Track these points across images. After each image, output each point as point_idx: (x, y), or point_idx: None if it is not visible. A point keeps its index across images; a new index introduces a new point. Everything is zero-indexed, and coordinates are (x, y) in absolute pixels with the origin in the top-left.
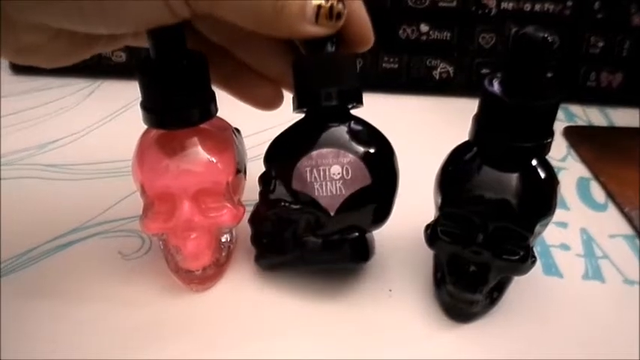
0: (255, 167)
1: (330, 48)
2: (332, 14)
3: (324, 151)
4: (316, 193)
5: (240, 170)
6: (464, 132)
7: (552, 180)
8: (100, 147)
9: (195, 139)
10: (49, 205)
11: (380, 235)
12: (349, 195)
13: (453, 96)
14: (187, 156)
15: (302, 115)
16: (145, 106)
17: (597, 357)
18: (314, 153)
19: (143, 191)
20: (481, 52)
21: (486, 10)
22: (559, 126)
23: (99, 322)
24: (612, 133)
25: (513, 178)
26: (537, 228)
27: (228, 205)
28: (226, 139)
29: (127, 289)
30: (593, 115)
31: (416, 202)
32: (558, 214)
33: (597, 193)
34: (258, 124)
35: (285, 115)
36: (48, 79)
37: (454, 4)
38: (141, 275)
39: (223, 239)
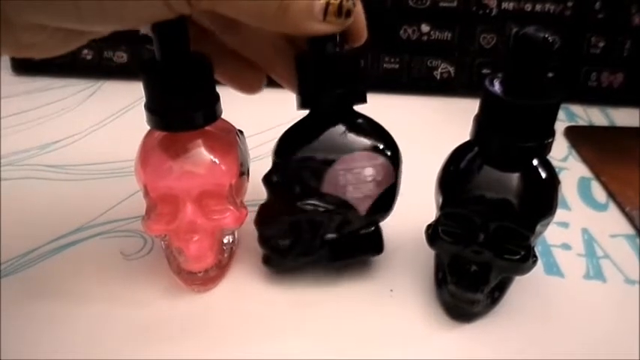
0: (258, 168)
1: (335, 45)
2: (341, 11)
3: (357, 154)
4: (348, 195)
5: (243, 172)
6: (465, 132)
7: (553, 180)
8: (101, 147)
9: (199, 142)
10: (50, 205)
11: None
12: (379, 194)
13: (454, 96)
14: (191, 158)
15: (302, 112)
16: (150, 107)
17: (598, 356)
18: (347, 157)
19: (146, 192)
20: (482, 52)
21: (487, 11)
22: (560, 126)
23: (100, 323)
24: (613, 133)
25: (514, 177)
26: (538, 228)
27: (231, 207)
28: (230, 141)
29: (129, 289)
30: (594, 115)
31: (417, 202)
32: (559, 213)
33: (598, 192)
34: (259, 125)
35: (286, 115)
36: (49, 80)
37: (455, 4)
38: (142, 276)
39: (225, 241)
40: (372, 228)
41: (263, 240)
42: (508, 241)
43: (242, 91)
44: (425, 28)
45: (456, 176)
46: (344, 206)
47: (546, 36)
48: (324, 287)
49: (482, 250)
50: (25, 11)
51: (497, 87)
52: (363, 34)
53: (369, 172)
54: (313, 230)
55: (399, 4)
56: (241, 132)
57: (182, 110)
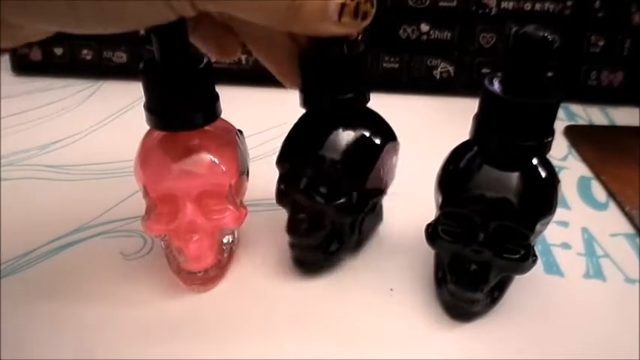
0: (257, 168)
1: (342, 45)
2: (357, 13)
3: (387, 146)
4: (384, 184)
5: (242, 172)
6: (465, 131)
7: (553, 179)
8: (101, 148)
9: (199, 142)
10: (50, 205)
11: (381, 234)
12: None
13: (453, 95)
14: (190, 158)
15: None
16: (149, 107)
17: (598, 356)
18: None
19: (146, 193)
20: (482, 51)
21: (487, 10)
22: (560, 125)
23: (100, 323)
24: (613, 132)
25: (514, 177)
26: (538, 227)
27: (231, 207)
28: (230, 141)
29: (129, 289)
30: (594, 115)
31: (417, 201)
32: (559, 213)
33: (598, 192)
34: (259, 125)
35: (286, 115)
36: (49, 80)
37: (454, 3)
38: (142, 276)
39: (225, 240)
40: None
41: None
42: (508, 241)
43: (218, 56)
44: (424, 27)
45: (455, 175)
46: (379, 194)
47: (546, 35)
48: (324, 286)
49: (482, 250)
50: (21, 17)
51: (496, 86)
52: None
53: (395, 159)
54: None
55: (399, 4)
56: (240, 132)
57: (181, 110)
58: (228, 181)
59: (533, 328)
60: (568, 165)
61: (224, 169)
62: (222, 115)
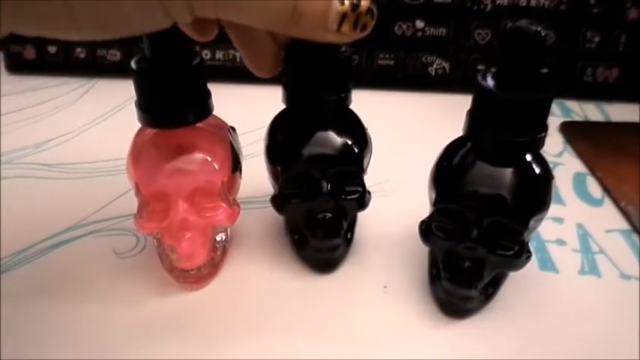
0: (251, 166)
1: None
2: (357, 24)
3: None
4: None
5: (235, 169)
6: (460, 128)
7: (547, 175)
8: (94, 146)
9: (191, 139)
10: (43, 204)
11: (376, 232)
12: None
13: (449, 92)
14: (182, 156)
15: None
16: (140, 105)
17: (593, 352)
18: None
19: (138, 190)
20: (477, 48)
21: (482, 6)
22: (555, 121)
23: (93, 321)
24: (609, 128)
25: (507, 173)
26: (532, 223)
27: (224, 204)
28: (222, 138)
29: (121, 287)
30: (589, 111)
31: (412, 198)
32: (554, 209)
33: (593, 188)
34: (252, 122)
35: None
36: (43, 79)
37: (449, 0)
38: (135, 274)
39: (218, 238)
40: None
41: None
42: (501, 237)
43: (195, 36)
44: (419, 24)
45: (448, 172)
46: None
47: (538, 29)
48: (318, 284)
49: (475, 246)
50: (20, 26)
51: (489, 81)
52: None
53: None
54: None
55: (394, 0)
56: (233, 129)
57: (172, 107)
58: (220, 179)
59: (527, 324)
60: (563, 161)
61: (216, 166)
62: (216, 113)
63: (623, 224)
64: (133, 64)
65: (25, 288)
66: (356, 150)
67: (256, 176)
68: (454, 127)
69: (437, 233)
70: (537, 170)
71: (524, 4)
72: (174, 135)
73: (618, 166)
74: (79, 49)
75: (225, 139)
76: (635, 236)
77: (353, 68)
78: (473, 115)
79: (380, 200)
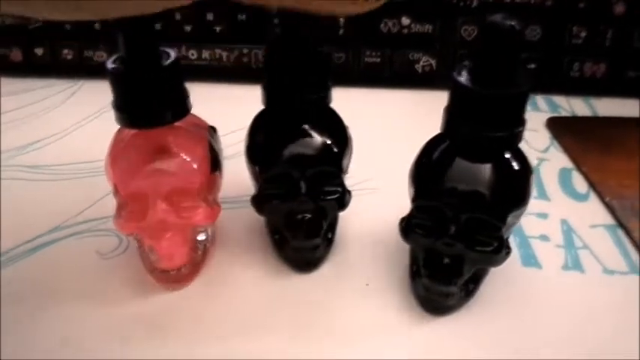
0: (235, 165)
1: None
2: None
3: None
4: None
5: (215, 169)
6: None
7: (525, 170)
8: (80, 147)
9: (169, 139)
10: (28, 205)
11: (359, 230)
12: None
13: (436, 89)
14: (160, 155)
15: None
16: (116, 105)
17: (576, 347)
18: None
19: (116, 191)
20: (463, 44)
21: (468, 2)
22: (542, 117)
23: (75, 322)
24: (595, 123)
25: (485, 168)
26: (510, 219)
27: (203, 204)
28: (201, 138)
29: (103, 288)
30: (577, 106)
31: (396, 195)
32: (539, 205)
33: (579, 183)
34: (238, 122)
35: None
36: (31, 81)
37: None
38: (117, 274)
39: (199, 238)
40: None
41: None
42: (480, 233)
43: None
44: (405, 21)
45: (427, 168)
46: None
47: (513, 24)
48: (300, 283)
49: (454, 243)
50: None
51: (465, 77)
52: None
53: None
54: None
55: None
56: (214, 128)
57: (149, 107)
58: (199, 179)
59: (509, 320)
60: (549, 157)
61: (195, 166)
62: (202, 112)
63: (608, 219)
64: (108, 64)
65: (7, 290)
66: (335, 150)
67: (240, 176)
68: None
69: (416, 230)
70: (515, 165)
71: (508, 0)
72: (152, 135)
73: (604, 161)
74: (65, 51)
75: (204, 138)
76: (619, 231)
77: (332, 66)
78: (449, 111)
79: (364, 198)
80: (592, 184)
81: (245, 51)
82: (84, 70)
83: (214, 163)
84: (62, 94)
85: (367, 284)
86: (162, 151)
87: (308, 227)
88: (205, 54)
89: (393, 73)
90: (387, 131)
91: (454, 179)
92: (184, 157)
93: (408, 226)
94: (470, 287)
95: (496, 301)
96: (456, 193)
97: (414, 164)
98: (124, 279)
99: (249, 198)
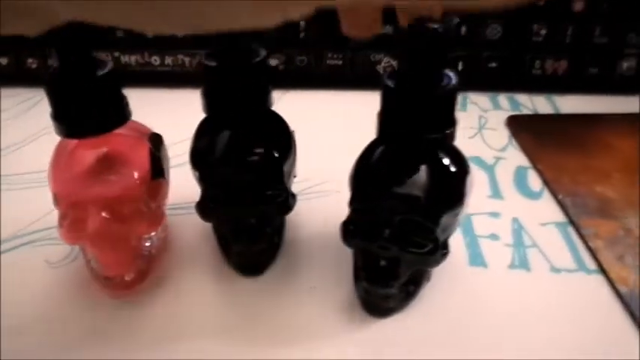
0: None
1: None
2: None
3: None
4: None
5: (157, 176)
6: None
7: (460, 171)
8: (37, 157)
9: (108, 147)
10: None
11: (308, 233)
12: None
13: None
14: (99, 164)
15: None
16: (54, 115)
17: (518, 346)
18: None
19: (56, 201)
20: None
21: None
22: (504, 115)
23: (22, 332)
24: (554, 120)
25: (417, 170)
26: (445, 220)
27: (144, 211)
28: (142, 145)
29: (48, 297)
30: (539, 104)
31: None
32: (491, 204)
33: (534, 181)
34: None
35: None
36: None
37: None
38: (63, 283)
39: (147, 244)
40: None
41: None
42: (414, 235)
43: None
44: None
45: (362, 172)
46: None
47: (435, 27)
48: (247, 287)
49: (388, 245)
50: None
51: (393, 79)
52: None
53: None
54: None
55: None
56: (158, 135)
57: (85, 116)
58: (139, 186)
59: (453, 320)
60: (506, 155)
61: (135, 174)
62: (164, 118)
63: (560, 217)
64: (43, 77)
65: None
66: (275, 154)
67: (194, 182)
68: None
69: (353, 233)
70: (449, 167)
71: None
72: (90, 144)
73: (560, 158)
74: (30, 60)
75: (144, 145)
76: (570, 228)
77: (271, 70)
78: (381, 114)
79: (319, 201)
80: (546, 182)
81: None
82: None
83: (156, 169)
84: (26, 103)
85: (313, 287)
86: (101, 160)
87: (251, 232)
88: (168, 60)
89: (355, 75)
90: (350, 133)
91: (386, 182)
92: (124, 164)
93: (346, 230)
94: (410, 289)
95: (440, 301)
96: (388, 195)
97: (352, 168)
98: (69, 287)
99: None
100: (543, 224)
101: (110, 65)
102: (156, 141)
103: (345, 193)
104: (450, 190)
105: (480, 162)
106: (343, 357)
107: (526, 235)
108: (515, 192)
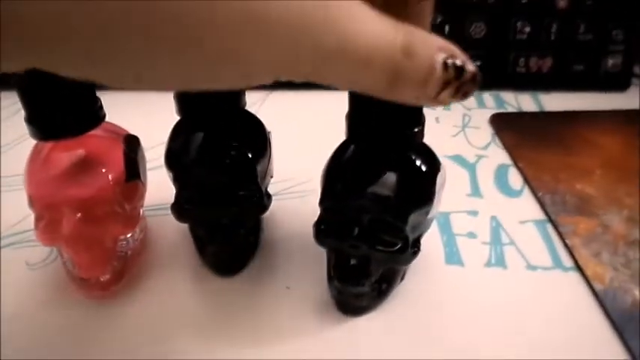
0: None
1: None
2: (458, 92)
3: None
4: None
5: (132, 177)
6: None
7: (428, 170)
8: (16, 160)
9: (81, 149)
10: None
11: (286, 232)
12: None
13: None
14: (72, 165)
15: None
16: (27, 119)
17: (493, 343)
18: None
19: (32, 203)
20: None
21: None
22: (488, 113)
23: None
24: (537, 118)
25: (386, 169)
26: (414, 218)
27: (119, 212)
28: (116, 146)
29: (29, 298)
30: (524, 101)
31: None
32: (471, 202)
33: (515, 179)
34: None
35: None
36: None
37: None
38: (44, 284)
39: (123, 244)
40: None
41: None
42: (383, 233)
43: None
44: None
45: (332, 171)
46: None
47: None
48: (223, 288)
49: (358, 244)
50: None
51: None
52: None
53: None
54: None
55: None
56: (134, 137)
57: (57, 119)
58: (113, 187)
59: (428, 318)
60: (489, 153)
61: (110, 176)
62: (147, 120)
63: (539, 214)
64: (15, 80)
65: None
66: (249, 155)
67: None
68: None
69: (325, 232)
70: (417, 166)
71: None
72: (66, 145)
73: (542, 156)
74: None
75: (118, 147)
76: (548, 226)
77: None
78: (349, 115)
79: (298, 201)
80: (527, 180)
81: None
82: None
83: (131, 171)
84: (14, 107)
85: (288, 287)
86: (76, 162)
87: (225, 232)
88: None
89: None
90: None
91: (355, 181)
92: (98, 166)
93: (318, 229)
94: (382, 287)
95: (415, 300)
96: (356, 194)
97: (324, 168)
98: (47, 289)
99: None
100: (522, 222)
101: None
102: (131, 143)
103: (313, 194)
104: (418, 188)
105: (461, 160)
106: (319, 357)
107: (504, 233)
108: (495, 190)
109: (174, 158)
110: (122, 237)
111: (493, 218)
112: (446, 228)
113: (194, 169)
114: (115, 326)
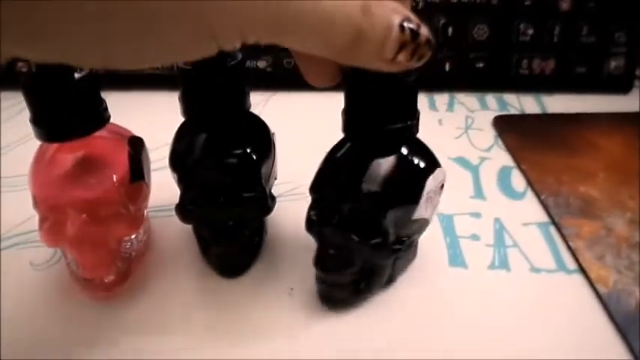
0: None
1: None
2: (414, 54)
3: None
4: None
5: (136, 179)
6: None
7: (419, 168)
8: (20, 161)
9: (86, 150)
10: None
11: (288, 235)
12: None
13: None
14: (78, 166)
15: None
16: (32, 120)
17: (496, 344)
18: None
19: (36, 204)
20: None
21: (414, 3)
22: (491, 115)
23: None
24: (540, 120)
25: (372, 162)
26: (395, 214)
27: (124, 213)
28: (121, 148)
29: (34, 299)
30: (527, 103)
31: None
32: (474, 204)
33: (518, 181)
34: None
35: None
36: None
37: None
38: (48, 285)
39: (127, 246)
40: None
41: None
42: (361, 224)
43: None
44: None
45: (323, 162)
46: None
47: None
48: (227, 290)
49: (336, 233)
50: (30, 52)
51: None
52: None
53: None
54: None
55: None
56: (138, 138)
57: (62, 120)
58: (118, 189)
59: (430, 320)
60: (492, 155)
61: (114, 176)
62: (149, 122)
63: (542, 217)
64: (21, 81)
65: None
66: (253, 156)
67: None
68: None
69: (313, 222)
70: (406, 162)
71: (455, 0)
72: (70, 147)
73: (545, 158)
74: (21, 64)
75: (123, 148)
76: (552, 228)
77: (247, 72)
78: (344, 110)
79: (302, 203)
80: (530, 182)
81: None
82: None
83: (135, 172)
84: (16, 107)
85: (292, 289)
86: (81, 163)
87: (229, 234)
88: None
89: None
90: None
91: (335, 170)
92: (102, 167)
93: (308, 218)
94: (361, 285)
95: (418, 301)
96: (336, 183)
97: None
98: (51, 289)
99: None
100: (525, 224)
101: (87, 69)
102: (136, 144)
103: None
104: (402, 185)
105: (464, 162)
106: (323, 357)
107: (507, 236)
108: (498, 192)
109: (178, 159)
110: (126, 238)
111: (496, 220)
112: (449, 230)
113: (198, 170)
114: (118, 327)
